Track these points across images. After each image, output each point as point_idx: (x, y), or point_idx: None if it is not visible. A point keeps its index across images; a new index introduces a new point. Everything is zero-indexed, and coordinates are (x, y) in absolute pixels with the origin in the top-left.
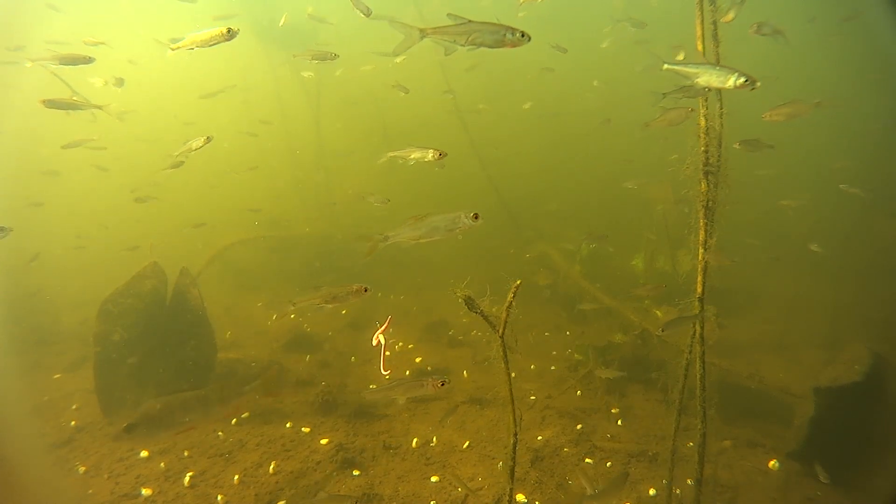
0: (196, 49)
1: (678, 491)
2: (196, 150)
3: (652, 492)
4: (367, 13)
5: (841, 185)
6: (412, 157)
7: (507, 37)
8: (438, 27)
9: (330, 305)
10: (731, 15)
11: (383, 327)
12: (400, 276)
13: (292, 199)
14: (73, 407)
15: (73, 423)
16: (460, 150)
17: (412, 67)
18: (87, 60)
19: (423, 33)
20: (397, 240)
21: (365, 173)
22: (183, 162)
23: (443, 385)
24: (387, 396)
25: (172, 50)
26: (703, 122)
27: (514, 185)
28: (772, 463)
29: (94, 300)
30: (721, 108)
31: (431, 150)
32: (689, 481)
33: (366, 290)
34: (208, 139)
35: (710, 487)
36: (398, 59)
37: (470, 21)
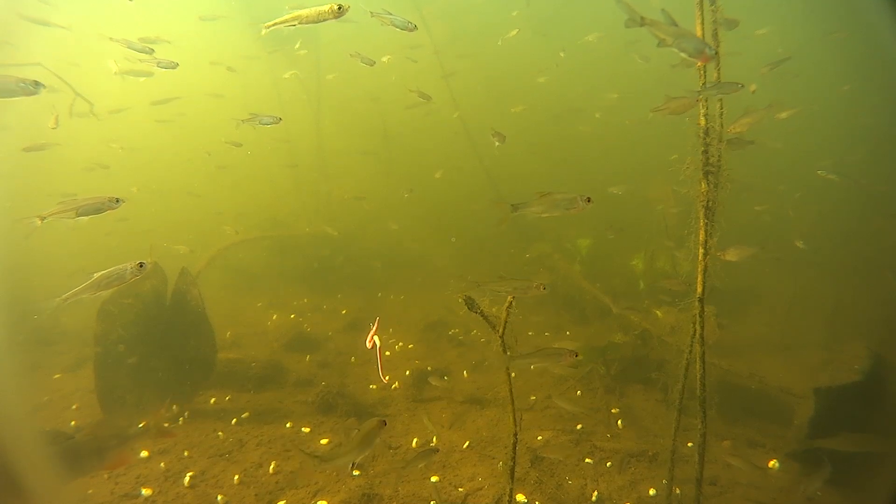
0: (298, 25)
1: (678, 491)
2: (264, 125)
3: (652, 492)
4: (371, 64)
5: (819, 171)
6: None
7: (707, 51)
8: (654, 21)
9: (510, 296)
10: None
11: (374, 329)
12: (400, 275)
13: (293, 199)
14: (74, 407)
15: (72, 423)
16: (460, 150)
17: (412, 67)
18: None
19: (643, 21)
20: (524, 211)
21: (365, 173)
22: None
23: (577, 357)
24: (527, 363)
25: (266, 28)
26: (702, 122)
27: (514, 184)
28: (772, 463)
29: (94, 300)
30: (721, 109)
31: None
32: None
33: (543, 288)
34: (278, 119)
35: (710, 487)
36: (385, 59)
37: (677, 25)
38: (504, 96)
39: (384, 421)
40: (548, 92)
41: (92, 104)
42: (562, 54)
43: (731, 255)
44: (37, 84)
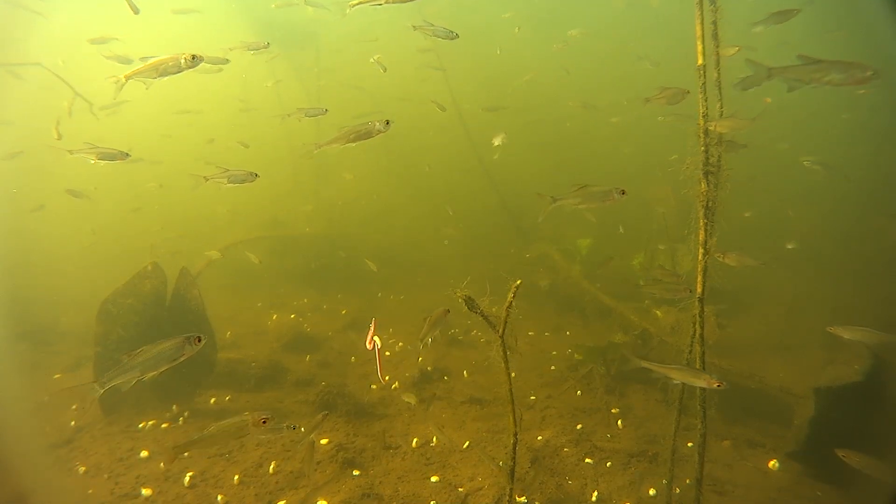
0: (384, 5)
1: (678, 491)
2: (310, 117)
3: (652, 492)
4: (384, 69)
5: (804, 161)
6: None
7: (859, 74)
8: (786, 67)
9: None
10: (732, 51)
11: (371, 331)
12: (400, 275)
13: (292, 198)
14: (73, 407)
15: (72, 423)
16: (460, 150)
17: (412, 69)
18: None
19: (771, 73)
20: (563, 203)
21: (365, 173)
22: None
23: (719, 386)
24: (663, 373)
25: (352, 6)
26: (702, 123)
27: (513, 184)
28: (772, 463)
29: (94, 300)
30: (721, 109)
31: None
32: (688, 481)
33: (690, 291)
34: (324, 110)
35: (709, 487)
36: (376, 57)
37: (820, 60)
38: (503, 96)
39: (448, 310)
40: (547, 92)
41: (91, 103)
42: (558, 47)
43: (731, 260)
44: (195, 58)
